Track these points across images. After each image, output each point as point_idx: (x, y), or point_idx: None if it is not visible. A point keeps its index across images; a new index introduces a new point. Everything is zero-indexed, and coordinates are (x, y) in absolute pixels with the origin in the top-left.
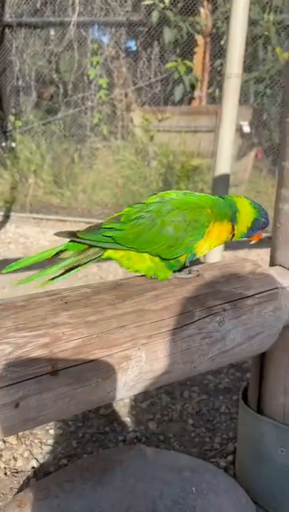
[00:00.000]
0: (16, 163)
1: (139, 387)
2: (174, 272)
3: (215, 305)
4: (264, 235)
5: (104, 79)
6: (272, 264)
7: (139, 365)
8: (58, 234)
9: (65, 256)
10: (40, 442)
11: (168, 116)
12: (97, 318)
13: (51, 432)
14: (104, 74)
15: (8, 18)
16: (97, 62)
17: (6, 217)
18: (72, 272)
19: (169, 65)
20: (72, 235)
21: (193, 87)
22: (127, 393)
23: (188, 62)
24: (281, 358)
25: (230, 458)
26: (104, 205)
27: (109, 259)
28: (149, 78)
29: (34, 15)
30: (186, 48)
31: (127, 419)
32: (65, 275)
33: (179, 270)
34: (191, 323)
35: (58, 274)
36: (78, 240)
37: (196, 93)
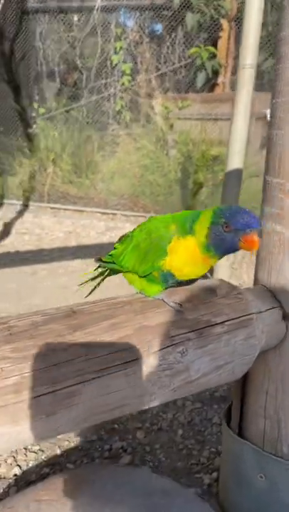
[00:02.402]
0: (37, 152)
1: (91, 421)
2: (165, 289)
3: (177, 334)
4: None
5: (127, 64)
6: (255, 283)
7: (87, 401)
8: (96, 260)
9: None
10: (25, 449)
11: (188, 103)
12: (42, 351)
13: None
14: (127, 59)
15: (32, 3)
16: (120, 48)
17: (25, 206)
18: (102, 281)
19: (191, 50)
20: (99, 260)
21: (216, 73)
22: (78, 426)
23: (210, 48)
24: (262, 382)
25: (215, 474)
26: (120, 195)
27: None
28: (173, 64)
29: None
30: (210, 33)
31: (115, 427)
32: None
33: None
34: (149, 354)
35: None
36: (101, 263)
37: (220, 79)
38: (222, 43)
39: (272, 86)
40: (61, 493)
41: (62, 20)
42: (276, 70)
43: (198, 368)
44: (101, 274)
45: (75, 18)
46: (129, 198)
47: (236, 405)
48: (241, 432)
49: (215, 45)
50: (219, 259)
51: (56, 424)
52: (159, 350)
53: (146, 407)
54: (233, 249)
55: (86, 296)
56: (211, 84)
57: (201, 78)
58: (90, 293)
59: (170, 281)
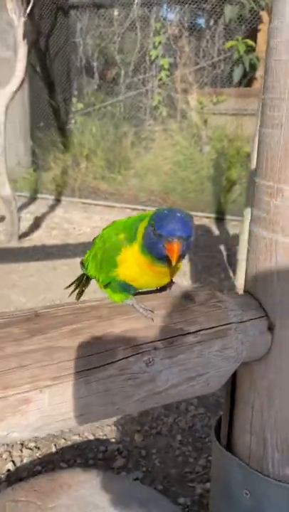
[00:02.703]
0: (71, 147)
1: (48, 429)
2: (134, 295)
3: (145, 342)
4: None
5: (166, 59)
6: (244, 290)
7: (41, 409)
8: (80, 262)
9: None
10: (22, 444)
11: (224, 98)
12: None
13: None
14: (166, 54)
15: None
16: (159, 43)
17: (58, 201)
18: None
19: (228, 44)
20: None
21: (253, 67)
22: (35, 433)
23: (248, 41)
24: (247, 396)
25: (208, 485)
26: (150, 191)
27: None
28: (212, 58)
29: None
30: (250, 26)
31: (114, 428)
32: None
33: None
34: (111, 363)
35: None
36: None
37: (258, 73)
38: (261, 36)
39: (263, 81)
40: (40, 494)
41: (102, 15)
42: (265, 64)
43: (167, 378)
44: (82, 276)
45: (115, 12)
46: (159, 194)
47: (225, 417)
48: (229, 445)
49: (255, 38)
50: (171, 269)
51: (7, 431)
52: (123, 358)
53: (113, 417)
54: (161, 254)
55: (77, 299)
56: (248, 79)
57: (237, 72)
58: (79, 295)
59: (131, 290)
